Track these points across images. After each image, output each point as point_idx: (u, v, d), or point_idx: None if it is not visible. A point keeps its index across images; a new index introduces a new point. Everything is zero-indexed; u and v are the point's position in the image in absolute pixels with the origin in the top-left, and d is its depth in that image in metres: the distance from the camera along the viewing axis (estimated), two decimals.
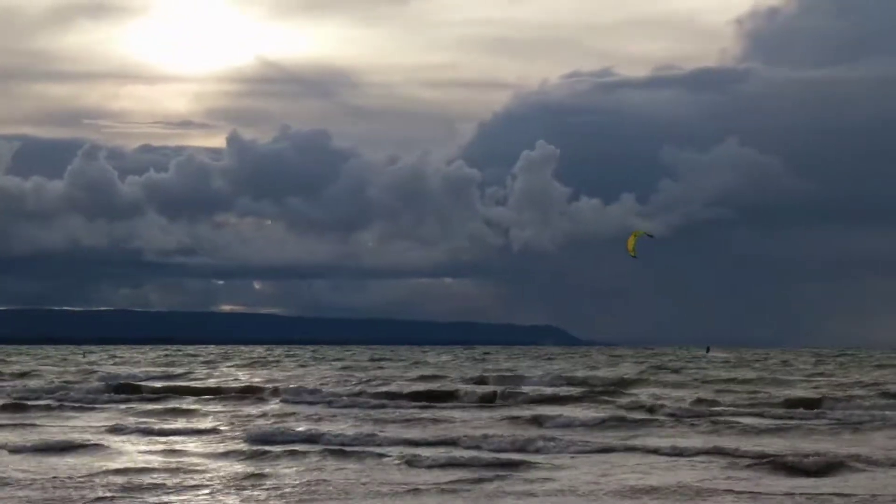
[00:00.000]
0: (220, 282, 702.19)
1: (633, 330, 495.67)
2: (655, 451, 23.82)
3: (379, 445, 25.29)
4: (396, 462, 22.27)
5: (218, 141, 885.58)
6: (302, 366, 78.75)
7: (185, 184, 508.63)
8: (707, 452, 23.26)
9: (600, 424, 29.83)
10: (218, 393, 43.11)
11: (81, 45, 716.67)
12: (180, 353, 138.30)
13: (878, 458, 21.87)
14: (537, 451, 24.02)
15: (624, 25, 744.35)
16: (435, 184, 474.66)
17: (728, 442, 25.19)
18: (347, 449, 24.35)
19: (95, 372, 63.89)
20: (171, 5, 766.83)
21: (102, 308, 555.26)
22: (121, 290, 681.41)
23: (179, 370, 68.11)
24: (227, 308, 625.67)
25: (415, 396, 40.42)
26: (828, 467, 20.50)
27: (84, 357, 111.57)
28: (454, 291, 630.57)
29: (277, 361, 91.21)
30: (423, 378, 53.10)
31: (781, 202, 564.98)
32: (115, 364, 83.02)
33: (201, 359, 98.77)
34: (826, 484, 19.03)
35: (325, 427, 29.52)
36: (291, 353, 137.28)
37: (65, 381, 52.46)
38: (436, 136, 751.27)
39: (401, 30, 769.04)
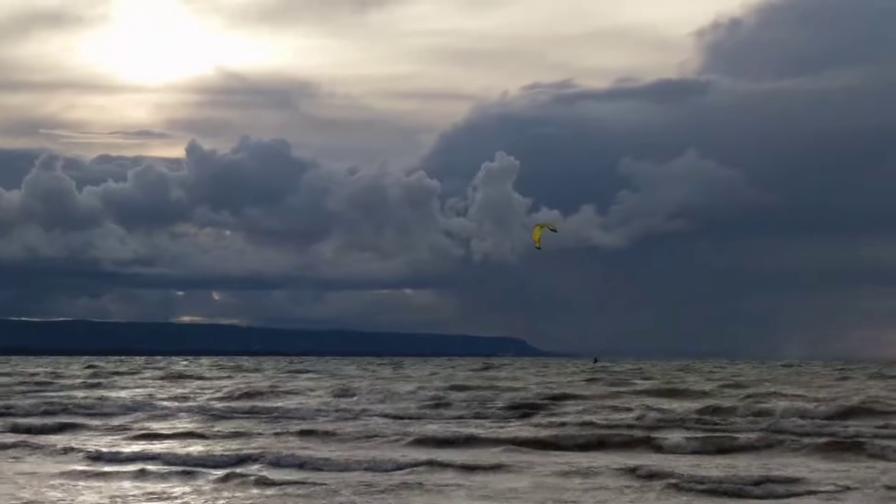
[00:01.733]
0: (180, 292, 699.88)
1: (594, 341, 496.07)
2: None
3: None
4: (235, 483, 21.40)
5: (177, 151, 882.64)
6: (223, 377, 77.60)
7: (144, 194, 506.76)
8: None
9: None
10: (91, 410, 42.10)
11: (39, 54, 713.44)
12: (118, 362, 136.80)
13: None
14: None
15: (584, 37, 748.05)
16: (395, 195, 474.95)
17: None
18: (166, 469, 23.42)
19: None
20: (130, 15, 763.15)
21: (61, 319, 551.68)
22: (79, 301, 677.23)
23: (92, 381, 66.91)
24: (186, 319, 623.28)
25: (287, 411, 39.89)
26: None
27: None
28: (414, 302, 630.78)
29: (199, 373, 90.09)
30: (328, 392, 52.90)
31: (741, 214, 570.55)
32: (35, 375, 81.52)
33: (124, 370, 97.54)
34: None
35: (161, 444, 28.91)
36: (236, 364, 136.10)
37: None
38: (396, 146, 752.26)
39: (362, 40, 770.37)
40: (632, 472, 21.98)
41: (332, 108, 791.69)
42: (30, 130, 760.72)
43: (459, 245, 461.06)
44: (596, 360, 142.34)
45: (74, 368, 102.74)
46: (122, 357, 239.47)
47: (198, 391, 53.51)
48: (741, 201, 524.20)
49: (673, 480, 20.71)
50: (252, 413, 38.86)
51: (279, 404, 42.55)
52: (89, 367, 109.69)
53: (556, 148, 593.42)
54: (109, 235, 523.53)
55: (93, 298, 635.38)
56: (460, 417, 36.44)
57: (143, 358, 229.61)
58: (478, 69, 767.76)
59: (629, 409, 37.08)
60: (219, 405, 42.52)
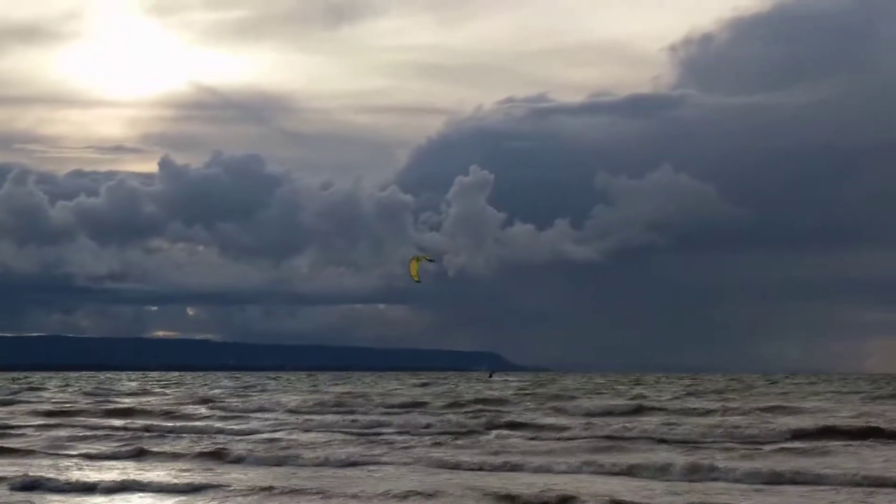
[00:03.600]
0: (153, 307, 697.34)
1: (570, 355, 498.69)
2: None
3: None
4: None
5: (150, 166, 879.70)
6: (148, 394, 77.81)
7: (117, 209, 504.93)
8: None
9: None
10: None
11: (14, 69, 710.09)
12: (65, 377, 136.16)
13: None
14: None
15: (559, 52, 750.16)
16: (368, 209, 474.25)
17: None
18: None
19: None
20: (104, 30, 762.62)
21: (34, 334, 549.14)
22: (53, 316, 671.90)
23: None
24: (160, 334, 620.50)
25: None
26: None
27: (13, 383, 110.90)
28: (388, 317, 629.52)
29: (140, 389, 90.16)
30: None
31: (715, 228, 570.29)
32: None
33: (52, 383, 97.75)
34: None
35: None
36: (178, 380, 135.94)
37: None
38: (370, 161, 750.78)
39: (336, 55, 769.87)
40: None
41: (306, 122, 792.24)
42: (3, 145, 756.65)
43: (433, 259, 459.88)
44: (491, 375, 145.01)
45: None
46: (92, 372, 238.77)
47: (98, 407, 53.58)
48: (715, 215, 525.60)
49: None
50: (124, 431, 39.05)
51: (172, 424, 42.76)
52: (16, 378, 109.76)
53: (530, 162, 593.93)
54: (82, 250, 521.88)
55: (66, 314, 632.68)
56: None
57: (113, 372, 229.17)
58: (452, 83, 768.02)
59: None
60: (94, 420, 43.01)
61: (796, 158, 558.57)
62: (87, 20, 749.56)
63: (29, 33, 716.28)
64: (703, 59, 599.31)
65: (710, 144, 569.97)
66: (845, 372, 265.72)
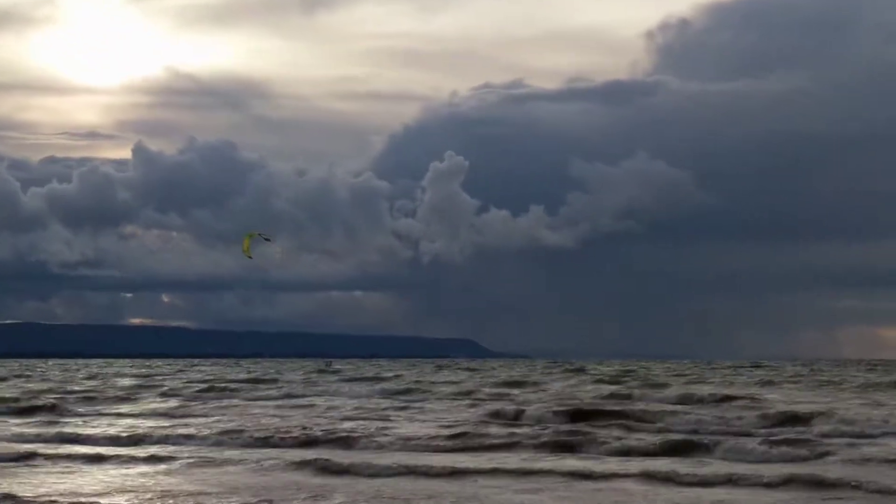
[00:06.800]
0: (129, 294, 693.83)
1: (545, 342, 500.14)
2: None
3: None
4: None
5: (125, 152, 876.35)
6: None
7: (90, 195, 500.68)
8: None
9: None
10: None
11: None
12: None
13: None
14: None
15: (535, 38, 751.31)
16: (343, 196, 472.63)
17: None
18: None
19: None
20: (79, 16, 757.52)
21: (9, 321, 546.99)
22: (27, 304, 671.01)
23: None
24: (136, 321, 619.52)
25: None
26: None
27: None
28: (364, 304, 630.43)
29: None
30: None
31: (690, 216, 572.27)
32: None
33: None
34: None
35: None
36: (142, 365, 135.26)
37: None
38: (345, 148, 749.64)
39: (312, 42, 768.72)
40: None
41: (281, 109, 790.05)
42: None
43: (408, 246, 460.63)
44: (329, 364, 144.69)
45: None
46: (64, 360, 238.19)
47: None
48: (690, 203, 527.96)
49: None
50: None
51: None
52: None
53: (505, 148, 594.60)
54: (55, 237, 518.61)
55: (41, 301, 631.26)
56: None
57: (88, 360, 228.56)
58: (428, 70, 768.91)
59: None
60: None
61: (773, 146, 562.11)
62: (61, 6, 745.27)
63: (2, 19, 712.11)
64: (681, 45, 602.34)
65: (687, 131, 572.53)
66: (819, 359, 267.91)
